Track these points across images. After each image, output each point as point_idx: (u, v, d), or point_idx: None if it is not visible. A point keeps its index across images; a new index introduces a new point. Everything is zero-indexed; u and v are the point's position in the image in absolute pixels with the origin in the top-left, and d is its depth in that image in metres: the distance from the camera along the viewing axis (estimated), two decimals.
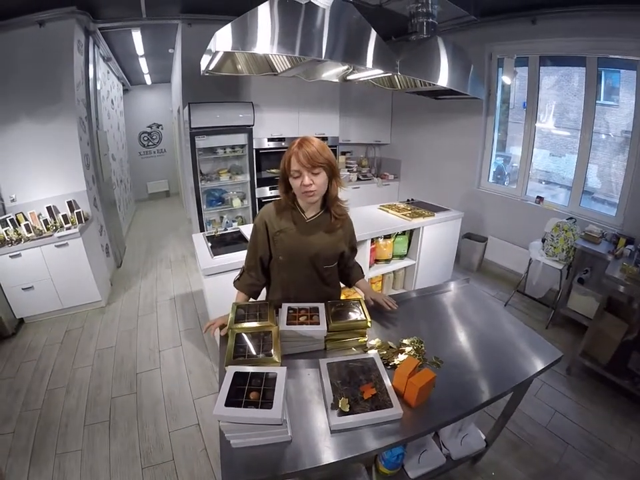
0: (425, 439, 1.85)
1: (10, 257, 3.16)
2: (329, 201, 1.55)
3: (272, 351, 1.25)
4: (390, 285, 3.77)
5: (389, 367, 1.40)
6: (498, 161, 4.57)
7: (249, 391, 1.06)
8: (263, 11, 1.79)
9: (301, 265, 1.60)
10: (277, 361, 1.22)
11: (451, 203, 4.02)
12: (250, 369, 1.14)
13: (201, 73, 2.47)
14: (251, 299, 1.73)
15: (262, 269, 1.69)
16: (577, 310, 3.24)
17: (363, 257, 3.29)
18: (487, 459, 2.07)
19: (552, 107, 3.82)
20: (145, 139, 8.56)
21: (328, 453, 1.07)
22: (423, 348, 1.52)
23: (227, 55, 2.29)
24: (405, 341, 1.55)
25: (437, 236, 3.68)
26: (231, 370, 1.14)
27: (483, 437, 2.00)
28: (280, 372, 1.12)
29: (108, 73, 5.70)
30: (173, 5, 3.81)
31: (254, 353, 1.26)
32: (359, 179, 5.71)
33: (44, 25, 3.31)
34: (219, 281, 2.51)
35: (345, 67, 2.81)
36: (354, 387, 1.25)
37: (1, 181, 3.49)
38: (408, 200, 4.28)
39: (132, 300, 3.95)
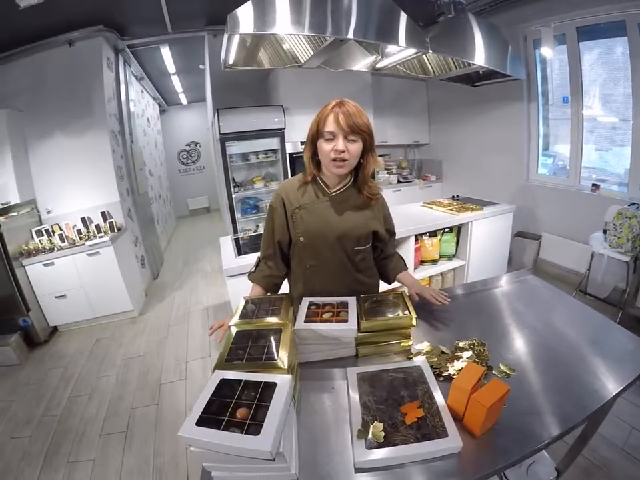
0: None
1: (43, 265, 3.08)
2: (361, 179, 1.28)
3: (277, 354, 0.88)
4: (438, 288, 3.29)
5: (442, 378, 0.99)
6: (543, 160, 4.04)
7: (237, 407, 0.71)
8: None
9: (326, 247, 1.28)
10: (283, 367, 0.83)
11: (499, 200, 3.54)
12: (243, 375, 0.78)
13: (222, 68, 2.27)
14: (269, 294, 1.38)
15: (282, 257, 1.37)
16: None
17: (406, 257, 2.86)
18: None
19: (595, 88, 3.30)
20: (184, 157, 8.56)
21: None
22: (486, 352, 1.09)
23: (250, 46, 2.10)
24: (461, 344, 1.13)
25: (487, 232, 3.21)
26: (217, 376, 0.79)
27: (554, 465, 1.52)
28: (281, 381, 0.75)
29: (142, 92, 5.72)
30: (198, 18, 3.68)
31: (256, 356, 0.89)
32: (399, 182, 5.29)
33: (73, 44, 3.31)
34: (243, 282, 2.18)
35: (373, 57, 2.53)
36: (393, 406, 0.85)
37: (38, 194, 3.45)
38: (453, 196, 3.82)
39: (165, 310, 3.74)
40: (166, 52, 4.19)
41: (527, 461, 1.50)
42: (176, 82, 5.85)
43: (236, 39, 1.91)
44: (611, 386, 0.98)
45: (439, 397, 0.88)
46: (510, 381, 0.98)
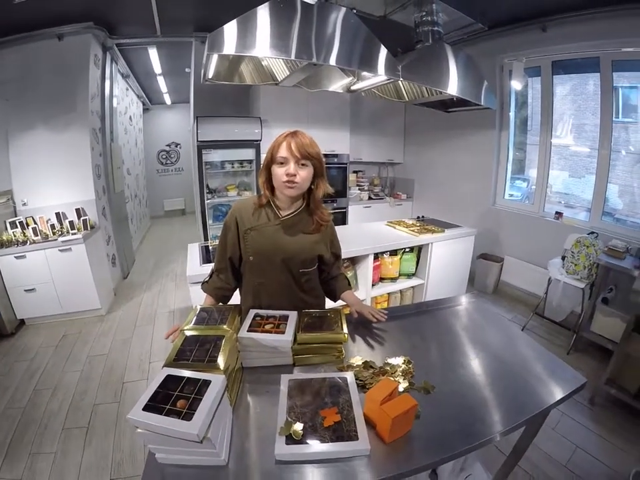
0: (418, 478, 1.53)
1: (15, 257, 3.14)
2: (312, 204, 1.41)
3: (218, 357, 1.03)
4: (397, 304, 3.44)
5: (366, 390, 1.11)
6: (518, 184, 4.30)
7: (178, 399, 0.86)
8: (261, 13, 1.72)
9: (273, 267, 1.41)
10: (221, 368, 0.99)
11: (466, 222, 3.77)
12: (185, 373, 0.94)
13: (202, 81, 2.39)
14: (221, 304, 1.52)
15: (233, 271, 1.49)
16: (602, 333, 2.87)
17: (365, 274, 3.06)
18: None
19: (567, 118, 3.57)
20: (164, 157, 8.63)
21: None
22: (412, 369, 1.23)
23: (232, 59, 2.22)
24: (390, 360, 1.27)
25: (448, 254, 3.40)
26: (164, 372, 0.95)
27: (490, 478, 1.65)
28: (215, 380, 0.91)
29: (127, 90, 5.81)
30: (187, 23, 3.81)
31: (200, 358, 1.05)
32: (370, 198, 5.49)
33: (62, 38, 3.40)
34: None
35: (349, 79, 2.69)
36: (316, 410, 1.00)
37: (15, 185, 3.50)
38: (418, 217, 4.03)
39: (132, 310, 3.83)
40: (153, 53, 4.31)
41: (463, 474, 1.65)
42: (161, 82, 5.96)
43: (215, 57, 2.04)
44: (529, 407, 1.10)
45: (357, 407, 1.01)
46: (429, 397, 1.12)
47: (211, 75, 2.29)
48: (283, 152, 1.26)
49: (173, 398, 0.86)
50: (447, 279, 3.52)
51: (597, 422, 2.27)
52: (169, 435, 0.80)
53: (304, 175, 1.28)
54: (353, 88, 2.76)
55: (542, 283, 3.46)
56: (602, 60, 3.07)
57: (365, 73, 2.46)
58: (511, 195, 4.30)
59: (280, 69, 2.39)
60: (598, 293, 2.92)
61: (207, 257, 2.63)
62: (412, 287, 3.44)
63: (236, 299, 1.59)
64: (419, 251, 3.37)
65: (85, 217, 3.53)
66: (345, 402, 1.03)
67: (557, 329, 3.32)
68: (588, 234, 3.08)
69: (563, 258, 3.19)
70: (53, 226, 3.36)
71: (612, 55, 2.99)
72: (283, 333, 1.21)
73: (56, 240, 3.23)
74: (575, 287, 3.01)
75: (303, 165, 1.27)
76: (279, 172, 1.28)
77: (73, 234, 3.34)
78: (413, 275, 3.43)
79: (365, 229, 3.57)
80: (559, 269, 3.16)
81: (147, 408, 0.83)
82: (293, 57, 1.79)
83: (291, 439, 0.91)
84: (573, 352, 2.99)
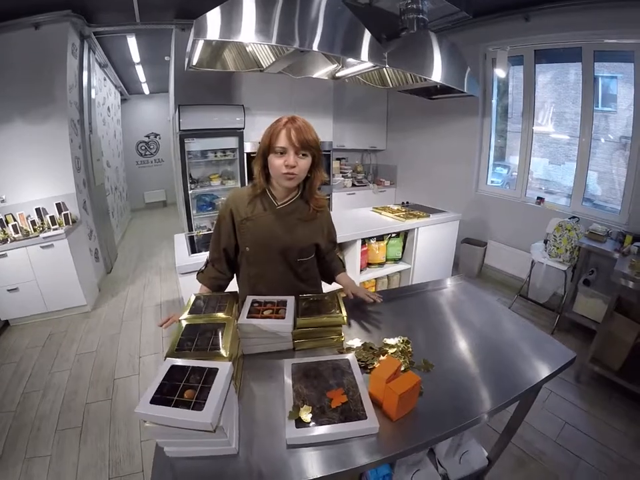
0: (417, 456, 1.54)
1: None
2: (308, 192, 1.37)
3: (220, 344, 1.02)
4: (384, 289, 3.50)
5: (368, 370, 1.14)
6: (499, 170, 4.36)
7: (185, 389, 0.84)
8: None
9: (270, 258, 1.39)
10: (225, 356, 0.98)
11: (449, 208, 3.82)
12: (190, 362, 0.92)
13: (185, 68, 2.33)
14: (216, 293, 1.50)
15: (227, 262, 1.47)
16: (584, 314, 2.98)
17: (353, 259, 3.09)
18: (490, 478, 1.77)
19: (548, 106, 3.63)
20: (143, 148, 8.42)
21: (279, 473, 0.83)
22: (410, 349, 1.25)
23: (215, 45, 2.15)
24: (388, 341, 1.29)
25: (433, 238, 3.45)
26: (168, 362, 0.92)
27: (485, 454, 1.70)
28: (222, 367, 0.89)
29: (105, 80, 5.64)
30: (167, 10, 3.71)
31: (202, 346, 1.03)
32: (353, 185, 5.51)
33: (39, 27, 3.25)
34: (195, 279, 2.28)
35: (334, 65, 2.67)
36: (322, 393, 1.00)
37: None
38: (403, 203, 4.06)
39: (118, 305, 3.76)
40: (132, 41, 4.18)
41: (459, 450, 1.68)
42: (140, 71, 5.80)
43: (200, 43, 2.00)
44: (522, 382, 1.14)
45: (362, 386, 1.02)
46: (429, 375, 1.14)
47: (195, 61, 2.24)
48: (282, 141, 1.19)
49: (180, 389, 0.84)
50: (433, 263, 3.57)
51: (583, 399, 2.37)
52: (180, 427, 0.78)
53: (303, 165, 1.24)
54: (337, 75, 2.74)
55: (525, 266, 3.55)
56: (584, 50, 3.12)
57: (350, 60, 2.46)
58: (493, 182, 4.37)
59: (265, 55, 2.36)
60: (580, 275, 3.03)
61: (193, 246, 2.61)
62: (399, 271, 3.49)
63: (232, 287, 1.57)
64: (404, 236, 3.42)
65: (66, 212, 3.43)
66: (349, 383, 1.04)
67: (541, 310, 3.42)
68: (569, 218, 3.16)
69: (545, 241, 3.28)
70: (33, 222, 3.25)
71: (594, 45, 3.03)
72: (283, 318, 1.21)
73: (37, 236, 3.13)
74: (558, 269, 3.11)
75: (303, 155, 1.22)
76: (277, 163, 1.22)
77: (54, 229, 3.23)
78: (400, 259, 3.48)
79: (351, 215, 3.58)
80: (541, 252, 3.25)
81: (154, 401, 0.81)
82: (274, 43, 1.74)
83: (301, 423, 0.91)
84: (556, 332, 3.09)
